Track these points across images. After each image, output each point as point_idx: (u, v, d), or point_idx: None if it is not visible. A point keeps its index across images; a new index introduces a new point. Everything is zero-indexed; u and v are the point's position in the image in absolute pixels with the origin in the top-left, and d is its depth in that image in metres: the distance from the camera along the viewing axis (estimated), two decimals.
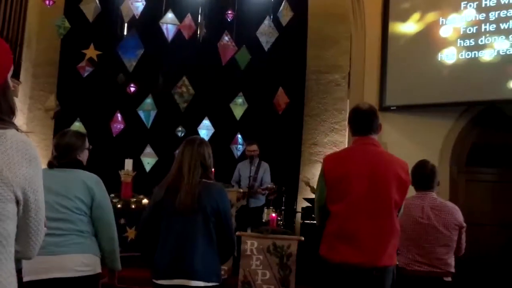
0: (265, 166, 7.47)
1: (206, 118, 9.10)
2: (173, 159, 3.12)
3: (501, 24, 6.45)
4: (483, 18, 6.56)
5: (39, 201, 1.61)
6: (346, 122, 8.81)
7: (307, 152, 9.58)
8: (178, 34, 8.49)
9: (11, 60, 1.63)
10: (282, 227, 6.52)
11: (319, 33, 9.64)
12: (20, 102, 9.47)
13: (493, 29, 6.49)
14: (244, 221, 6.56)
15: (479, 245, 6.52)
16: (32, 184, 1.56)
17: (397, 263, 3.47)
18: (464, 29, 6.70)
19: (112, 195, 6.68)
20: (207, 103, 9.23)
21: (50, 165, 3.08)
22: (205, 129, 9.04)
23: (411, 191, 3.55)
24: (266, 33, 8.48)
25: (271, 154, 8.13)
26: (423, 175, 3.82)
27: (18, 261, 1.63)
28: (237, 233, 5.58)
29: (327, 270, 3.03)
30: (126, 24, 9.03)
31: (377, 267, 2.93)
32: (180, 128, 9.17)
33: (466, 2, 6.71)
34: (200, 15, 9.16)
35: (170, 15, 8.46)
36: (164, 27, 8.42)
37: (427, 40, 6.96)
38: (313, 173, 9.28)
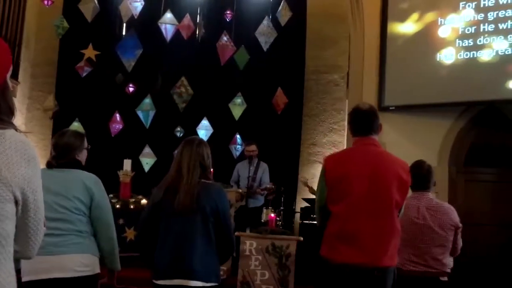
0: (264, 166, 7.47)
1: (205, 118, 9.10)
2: (172, 160, 3.11)
3: (499, 24, 6.45)
4: (482, 18, 6.57)
5: (38, 201, 1.61)
6: (345, 122, 8.82)
7: (306, 152, 9.58)
8: (177, 34, 8.49)
9: (10, 60, 1.62)
10: (281, 227, 6.52)
11: (318, 33, 9.64)
12: (19, 102, 9.46)
13: (492, 29, 6.50)
14: (243, 222, 6.56)
15: (478, 245, 6.53)
16: (31, 184, 1.56)
17: None
18: (462, 29, 6.71)
19: (111, 195, 6.68)
20: (206, 103, 9.22)
21: (49, 165, 3.07)
22: (204, 129, 9.03)
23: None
24: (265, 33, 8.47)
25: (270, 154, 8.13)
26: (420, 176, 3.82)
27: (17, 261, 1.63)
28: (236, 233, 5.57)
29: (328, 271, 3.03)
30: (124, 24, 9.02)
31: (378, 268, 2.92)
32: (179, 128, 9.16)
33: (464, 2, 6.72)
34: (199, 15, 9.16)
35: (168, 15, 8.46)
36: (163, 27, 8.42)
37: (426, 40, 6.97)
38: (312, 173, 9.28)
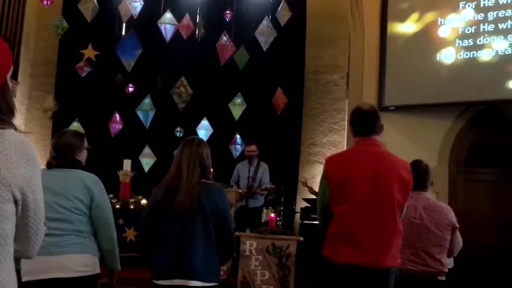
0: (264, 166, 7.47)
1: (205, 118, 9.09)
2: (171, 160, 3.11)
3: (499, 24, 6.46)
4: (482, 18, 6.58)
5: (38, 201, 1.60)
6: (345, 122, 8.84)
7: (306, 152, 9.58)
8: (177, 34, 8.48)
9: (10, 59, 1.62)
10: (281, 227, 6.52)
11: (317, 33, 9.65)
12: (18, 102, 9.45)
13: (492, 29, 6.50)
14: (243, 222, 6.56)
15: (478, 245, 6.53)
16: (30, 184, 1.56)
17: None
18: (462, 29, 6.71)
19: (111, 195, 6.67)
20: (206, 103, 9.22)
21: (49, 165, 3.06)
22: (204, 129, 9.03)
23: None
24: (264, 33, 8.47)
25: (270, 155, 8.13)
26: (417, 175, 3.81)
27: (17, 261, 1.63)
28: (236, 233, 5.57)
29: (330, 271, 3.03)
30: (124, 24, 9.02)
31: (380, 268, 2.92)
32: (178, 129, 9.16)
33: (464, 2, 6.73)
34: (199, 15, 9.16)
35: (168, 15, 8.46)
36: (162, 27, 8.41)
37: (426, 40, 6.97)
38: (312, 173, 9.28)
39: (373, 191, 2.96)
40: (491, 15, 6.52)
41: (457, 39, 6.74)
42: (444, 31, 6.86)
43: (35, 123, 9.88)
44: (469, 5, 6.69)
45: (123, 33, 9.07)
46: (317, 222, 7.45)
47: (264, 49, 8.51)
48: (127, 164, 7.29)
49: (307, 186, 8.26)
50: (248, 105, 8.87)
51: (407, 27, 7.16)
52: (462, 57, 6.69)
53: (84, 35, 8.87)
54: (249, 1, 9.12)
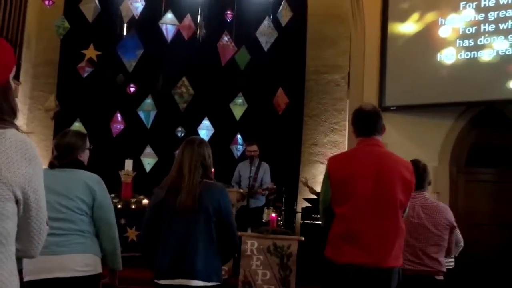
0: (265, 166, 7.48)
1: (206, 118, 9.10)
2: (173, 160, 3.12)
3: (500, 24, 6.46)
4: (482, 18, 6.58)
5: (39, 200, 1.61)
6: (346, 122, 8.84)
7: (307, 152, 9.58)
8: (178, 34, 8.48)
9: (12, 60, 1.62)
10: (282, 227, 6.53)
11: (318, 33, 9.65)
12: (20, 103, 9.46)
13: (492, 29, 6.50)
14: (244, 222, 6.56)
15: (479, 245, 6.53)
16: (32, 183, 1.56)
17: None
18: (463, 29, 6.71)
19: (112, 195, 6.67)
20: (207, 104, 9.22)
21: (51, 165, 3.07)
22: (205, 130, 9.03)
23: None
24: (265, 34, 8.47)
25: (271, 155, 8.13)
26: (415, 175, 3.83)
27: (19, 261, 1.63)
28: (238, 233, 5.57)
29: (333, 272, 3.03)
30: (125, 25, 9.03)
31: (383, 268, 2.92)
32: (180, 129, 9.16)
33: (465, 2, 6.73)
34: (200, 16, 9.17)
35: (169, 16, 8.45)
36: (163, 27, 8.41)
37: (427, 40, 6.97)
38: (313, 173, 9.29)
39: (375, 191, 2.96)
40: (491, 15, 6.52)
41: (457, 39, 6.74)
42: (444, 31, 6.86)
43: (37, 123, 9.90)
44: (469, 5, 6.69)
45: (125, 33, 9.08)
46: (318, 222, 7.47)
47: (265, 49, 8.51)
48: (128, 164, 7.30)
49: (308, 186, 8.27)
50: (249, 105, 8.87)
51: (407, 27, 7.16)
52: (462, 57, 6.69)
53: (85, 35, 8.88)
54: (250, 2, 9.13)
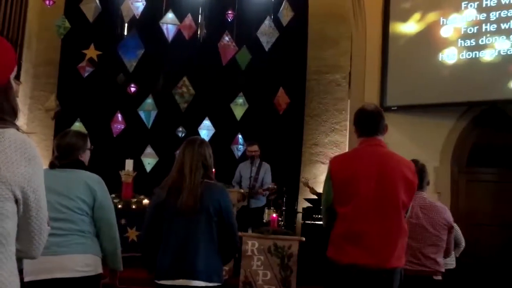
0: (266, 166, 7.47)
1: (207, 118, 9.10)
2: (173, 160, 3.11)
3: (501, 24, 6.45)
4: (484, 18, 6.57)
5: (39, 200, 1.60)
6: (347, 122, 8.83)
7: (308, 152, 9.58)
8: (179, 34, 8.48)
9: (13, 60, 1.61)
10: (283, 227, 6.52)
11: (319, 33, 9.65)
12: (21, 103, 9.46)
13: (494, 29, 6.49)
14: (245, 222, 6.55)
15: (480, 245, 6.53)
16: (31, 183, 1.55)
17: None
18: (465, 29, 6.70)
19: (113, 195, 6.65)
20: (208, 103, 9.22)
21: (52, 165, 3.07)
22: (206, 130, 9.03)
23: None
24: (266, 33, 8.47)
25: (272, 155, 8.13)
26: None
27: (19, 261, 1.62)
28: (238, 233, 5.56)
29: (335, 272, 3.02)
30: (126, 24, 9.01)
31: (385, 269, 2.92)
32: (180, 129, 9.16)
33: (466, 2, 6.72)
34: (201, 15, 9.16)
35: (170, 15, 8.45)
36: (164, 27, 8.41)
37: (428, 40, 6.97)
38: (314, 173, 9.28)
39: (378, 191, 2.96)
40: (493, 15, 6.51)
41: (459, 39, 6.73)
42: (446, 31, 6.85)
43: (37, 123, 9.89)
44: (471, 5, 6.68)
45: (125, 33, 9.07)
46: (319, 223, 7.47)
47: (266, 49, 8.51)
48: (129, 164, 7.29)
49: (308, 187, 8.27)
50: (250, 105, 8.86)
51: (409, 27, 7.15)
52: (464, 57, 6.68)
53: (86, 35, 8.88)
54: (251, 1, 9.12)
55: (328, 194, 3.10)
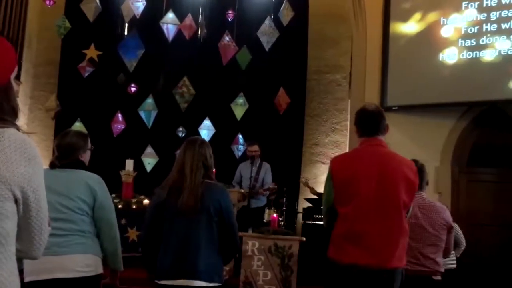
0: (266, 166, 7.46)
1: (207, 118, 9.09)
2: (174, 160, 3.11)
3: (502, 24, 6.45)
4: (484, 18, 6.56)
5: (39, 200, 1.59)
6: (348, 122, 8.83)
7: (308, 152, 9.58)
8: (179, 34, 8.48)
9: (14, 60, 1.61)
10: (283, 227, 6.51)
11: (320, 33, 9.65)
12: (21, 103, 9.46)
13: (494, 29, 6.49)
14: (245, 222, 6.55)
15: (480, 245, 6.53)
16: (31, 183, 1.54)
17: None
18: (465, 29, 6.70)
19: (113, 195, 6.66)
20: (208, 103, 9.22)
21: (52, 165, 3.06)
22: (206, 129, 9.03)
23: None
24: (267, 33, 8.47)
25: (272, 155, 8.12)
26: None
27: (19, 261, 1.61)
28: (239, 233, 5.56)
29: (336, 272, 3.02)
30: (126, 24, 9.01)
31: (386, 269, 2.91)
32: (181, 129, 9.16)
33: (467, 2, 6.72)
34: (201, 15, 9.17)
35: (170, 15, 8.45)
36: (164, 27, 8.41)
37: (428, 40, 6.96)
38: (314, 173, 9.28)
39: (379, 191, 2.95)
40: (493, 15, 6.51)
41: (459, 39, 6.73)
42: (446, 31, 6.85)
43: (37, 123, 9.89)
44: (471, 5, 6.68)
45: (126, 33, 9.07)
46: (319, 222, 7.47)
47: (266, 49, 8.51)
48: (129, 164, 7.29)
49: (308, 187, 8.26)
50: (250, 105, 8.86)
51: (409, 27, 7.15)
52: (464, 57, 6.68)
53: (86, 35, 8.88)
54: (251, 1, 9.12)
55: (329, 194, 3.09)
